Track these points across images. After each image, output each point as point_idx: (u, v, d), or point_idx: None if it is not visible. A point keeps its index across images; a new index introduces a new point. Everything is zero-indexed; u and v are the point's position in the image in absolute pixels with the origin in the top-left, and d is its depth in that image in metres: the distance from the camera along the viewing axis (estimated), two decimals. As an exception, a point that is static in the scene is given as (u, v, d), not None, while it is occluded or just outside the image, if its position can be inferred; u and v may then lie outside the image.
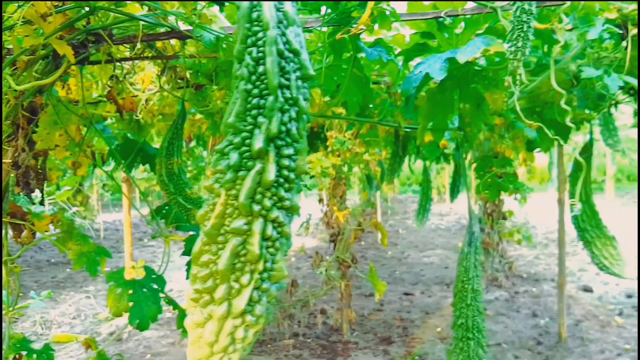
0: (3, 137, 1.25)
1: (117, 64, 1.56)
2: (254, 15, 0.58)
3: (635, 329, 4.44)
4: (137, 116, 1.88)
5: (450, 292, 5.71)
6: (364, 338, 4.31)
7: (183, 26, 1.36)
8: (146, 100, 2.03)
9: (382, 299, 5.44)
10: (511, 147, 5.88)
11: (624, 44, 1.63)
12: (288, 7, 0.59)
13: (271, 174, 0.54)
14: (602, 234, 2.20)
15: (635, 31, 1.57)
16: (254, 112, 0.56)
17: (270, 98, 0.55)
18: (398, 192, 17.47)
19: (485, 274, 5.92)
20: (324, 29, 1.45)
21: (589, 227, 2.22)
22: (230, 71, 1.66)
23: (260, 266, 0.55)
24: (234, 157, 0.54)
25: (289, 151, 0.56)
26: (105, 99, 1.83)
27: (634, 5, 1.56)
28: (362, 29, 1.09)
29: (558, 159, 6.89)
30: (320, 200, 4.57)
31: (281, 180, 0.56)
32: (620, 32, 1.59)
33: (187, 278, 0.93)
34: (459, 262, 1.49)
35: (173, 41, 1.64)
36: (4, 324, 1.37)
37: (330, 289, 4.35)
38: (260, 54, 0.56)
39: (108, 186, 9.33)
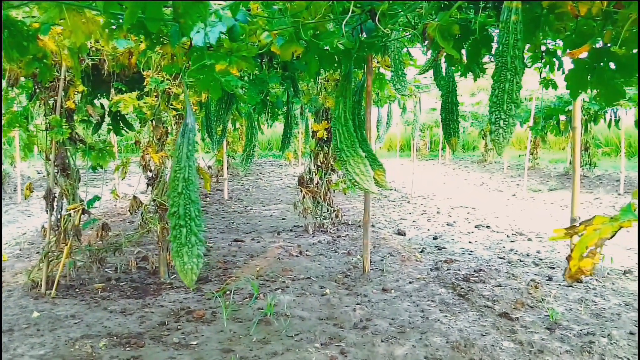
0: None
1: None
2: None
3: (431, 262, 5.04)
4: None
5: (280, 237, 5.95)
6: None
7: None
8: None
9: (210, 246, 5.48)
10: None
11: None
12: None
13: None
14: (355, 153, 2.44)
15: None
16: None
17: None
18: (257, 156, 17.59)
19: (314, 221, 6.25)
20: None
21: (345, 147, 2.44)
22: None
23: None
24: None
25: None
26: None
27: None
28: None
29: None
30: (136, 143, 4.41)
31: None
32: None
33: None
34: (172, 153, 1.54)
35: None
36: None
37: (146, 233, 4.27)
38: None
39: None
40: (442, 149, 17.73)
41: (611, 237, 1.31)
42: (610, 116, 11.39)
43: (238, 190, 10.25)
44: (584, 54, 2.53)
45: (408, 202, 9.21)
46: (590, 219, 1.27)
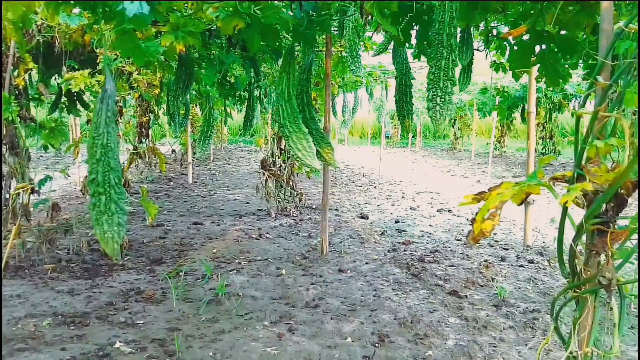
0: None
1: None
2: None
3: (389, 244, 5.09)
4: None
5: (241, 221, 5.93)
6: (135, 261, 4.27)
7: None
8: None
9: (168, 228, 5.43)
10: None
11: None
12: None
13: None
14: (298, 129, 2.43)
15: None
16: None
17: None
18: (227, 141, 17.40)
19: (277, 204, 6.25)
20: None
21: (289, 123, 2.43)
22: None
23: None
24: None
25: None
26: None
27: None
28: None
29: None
30: (89, 122, 4.30)
31: None
32: None
33: None
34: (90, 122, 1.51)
35: None
36: None
37: (99, 213, 4.19)
38: None
39: None
40: (412, 137, 17.88)
41: (520, 204, 1.34)
42: (574, 105, 11.65)
43: (204, 175, 10.15)
44: (525, 37, 2.56)
45: (375, 187, 9.27)
46: (498, 184, 1.30)
